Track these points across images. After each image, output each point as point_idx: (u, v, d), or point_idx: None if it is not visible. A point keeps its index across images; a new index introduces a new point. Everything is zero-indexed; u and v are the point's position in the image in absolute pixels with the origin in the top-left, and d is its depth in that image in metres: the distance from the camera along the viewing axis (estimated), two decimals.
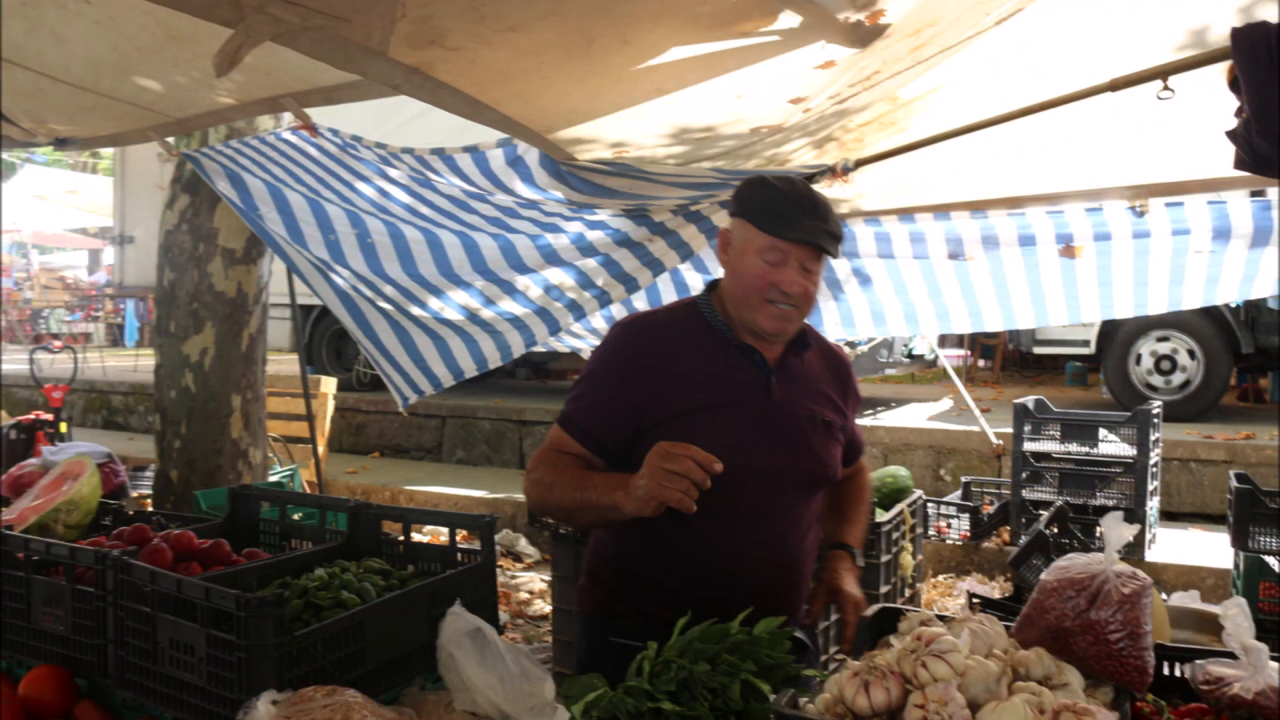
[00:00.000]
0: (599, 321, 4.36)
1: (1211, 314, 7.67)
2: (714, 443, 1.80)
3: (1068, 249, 3.64)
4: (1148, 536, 5.50)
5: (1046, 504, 5.30)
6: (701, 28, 2.10)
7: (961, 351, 12.68)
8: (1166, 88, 2.33)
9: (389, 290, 4.12)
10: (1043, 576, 1.75)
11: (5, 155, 10.33)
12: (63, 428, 7.04)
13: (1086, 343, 8.46)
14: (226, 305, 5.04)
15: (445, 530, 2.22)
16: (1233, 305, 7.55)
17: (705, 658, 1.65)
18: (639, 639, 1.84)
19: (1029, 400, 5.69)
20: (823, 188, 3.27)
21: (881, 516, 3.82)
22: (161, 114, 3.49)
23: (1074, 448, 5.52)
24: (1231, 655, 1.71)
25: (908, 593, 4.10)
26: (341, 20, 1.94)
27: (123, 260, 12.78)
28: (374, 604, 1.81)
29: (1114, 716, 1.44)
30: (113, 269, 13.88)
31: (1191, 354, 7.82)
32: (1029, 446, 5.58)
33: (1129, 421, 5.39)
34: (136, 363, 13.38)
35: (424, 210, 3.61)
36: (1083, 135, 2.96)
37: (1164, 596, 2.97)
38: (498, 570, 3.09)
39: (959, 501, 6.04)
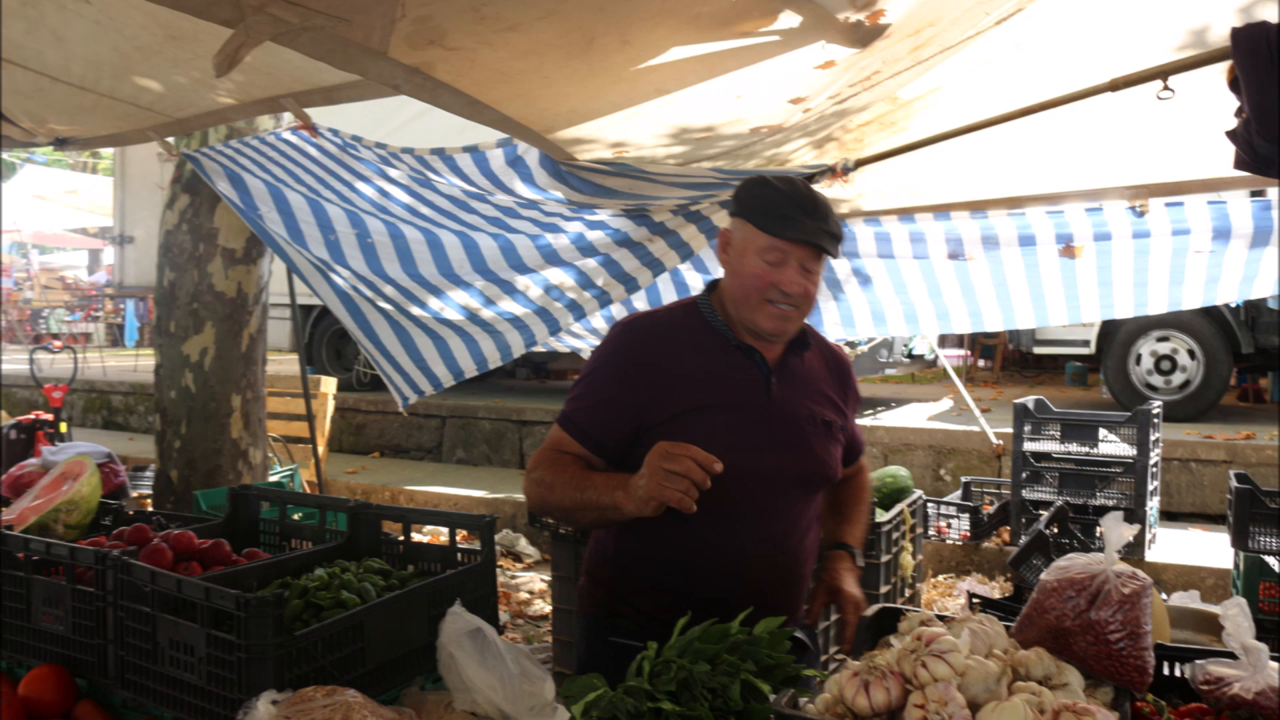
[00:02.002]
0: (599, 321, 4.36)
1: (1211, 314, 7.67)
2: (714, 443, 1.80)
3: (1068, 249, 3.64)
4: (1148, 536, 5.50)
5: (1046, 504, 5.30)
6: (701, 28, 2.10)
7: (961, 351, 12.68)
8: (1166, 88, 2.33)
9: (389, 290, 4.12)
10: (1043, 576, 1.75)
11: (5, 155, 10.34)
12: (63, 428, 7.04)
13: (1086, 343, 8.47)
14: (226, 305, 5.04)
15: (445, 530, 2.22)
16: (1233, 305, 7.56)
17: (705, 658, 1.65)
18: (639, 639, 1.84)
19: (1029, 400, 5.69)
20: (823, 188, 3.27)
21: (881, 516, 3.82)
22: (161, 114, 3.50)
23: (1074, 448, 5.52)
24: (1231, 655, 1.71)
25: (908, 593, 4.11)
26: (341, 20, 1.94)
27: (123, 260, 12.79)
28: (374, 604, 1.81)
29: (1114, 716, 1.44)
30: (113, 269, 13.88)
31: (1191, 354, 7.83)
32: (1029, 446, 5.58)
33: (1129, 421, 5.40)
34: (136, 363, 13.39)
35: (424, 210, 3.61)
36: (1083, 135, 2.96)
37: (1164, 596, 2.97)
38: (498, 570, 3.09)
39: (959, 501, 6.04)
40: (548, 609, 5.32)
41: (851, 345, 7.93)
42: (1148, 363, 7.97)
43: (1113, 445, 5.43)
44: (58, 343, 13.12)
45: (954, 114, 2.86)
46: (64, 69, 3.11)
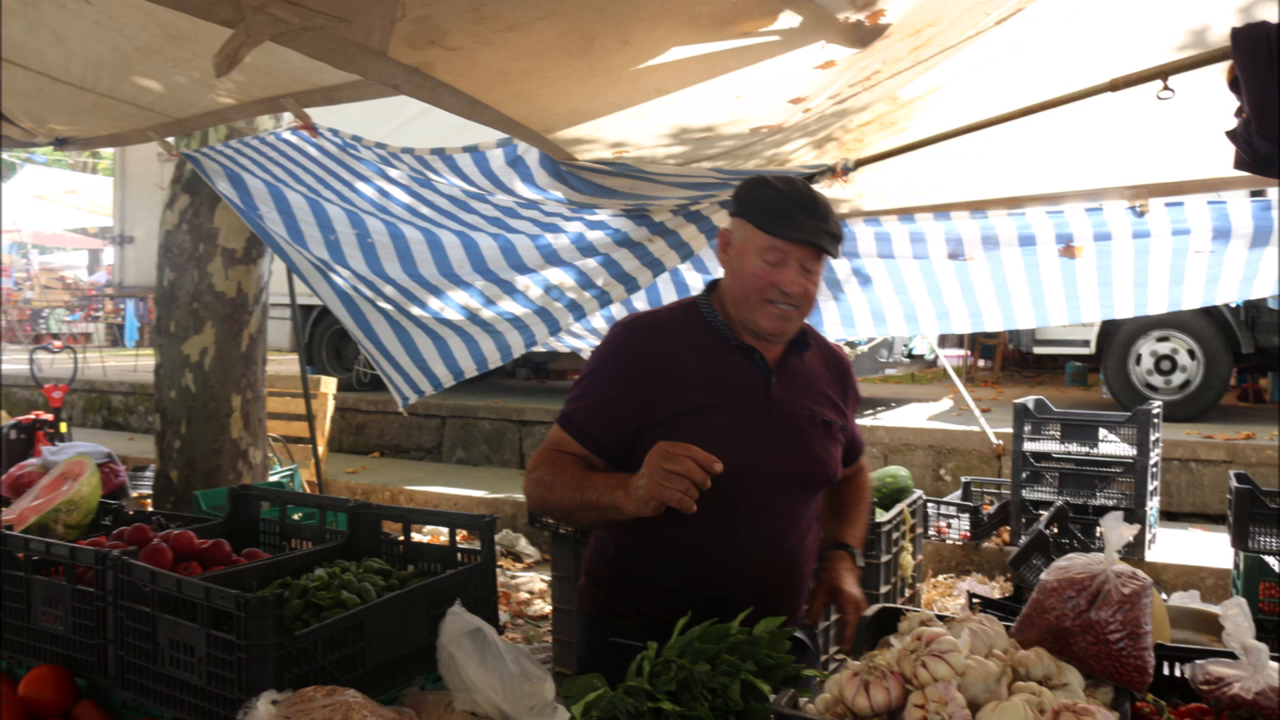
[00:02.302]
0: (599, 321, 4.36)
1: (1211, 314, 7.67)
2: (714, 443, 1.80)
3: (1068, 249, 3.64)
4: (1148, 536, 5.50)
5: (1046, 504, 5.30)
6: (701, 28, 2.10)
7: (961, 351, 12.68)
8: (1166, 88, 2.33)
9: (389, 290, 4.12)
10: (1043, 576, 1.75)
11: (5, 155, 10.34)
12: (63, 428, 7.04)
13: (1086, 343, 8.47)
14: (226, 305, 5.04)
15: (445, 530, 2.22)
16: (1233, 305, 7.56)
17: (705, 658, 1.65)
18: (639, 639, 1.84)
19: (1029, 400, 5.69)
20: (823, 188, 3.27)
21: (881, 516, 3.82)
22: (161, 114, 3.50)
23: (1074, 448, 5.52)
24: (1231, 655, 1.71)
25: (908, 593, 4.10)
26: (341, 20, 1.94)
27: (123, 260, 12.79)
28: (374, 604, 1.81)
29: (1114, 716, 1.44)
30: (113, 269, 13.89)
31: (1191, 354, 7.83)
32: (1029, 446, 5.58)
33: (1129, 421, 5.40)
34: (136, 363, 13.39)
35: (424, 210, 3.61)
36: (1083, 135, 2.96)
37: (1164, 596, 2.97)
38: (498, 570, 3.09)
39: (959, 501, 6.04)
40: (548, 609, 5.32)
41: (851, 345, 7.93)
42: (1148, 363, 7.97)
43: (1113, 445, 5.43)
44: (58, 343, 13.11)
45: (954, 114, 2.86)
46: (64, 69, 3.11)
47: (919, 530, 4.22)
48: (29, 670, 1.89)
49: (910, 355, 9.99)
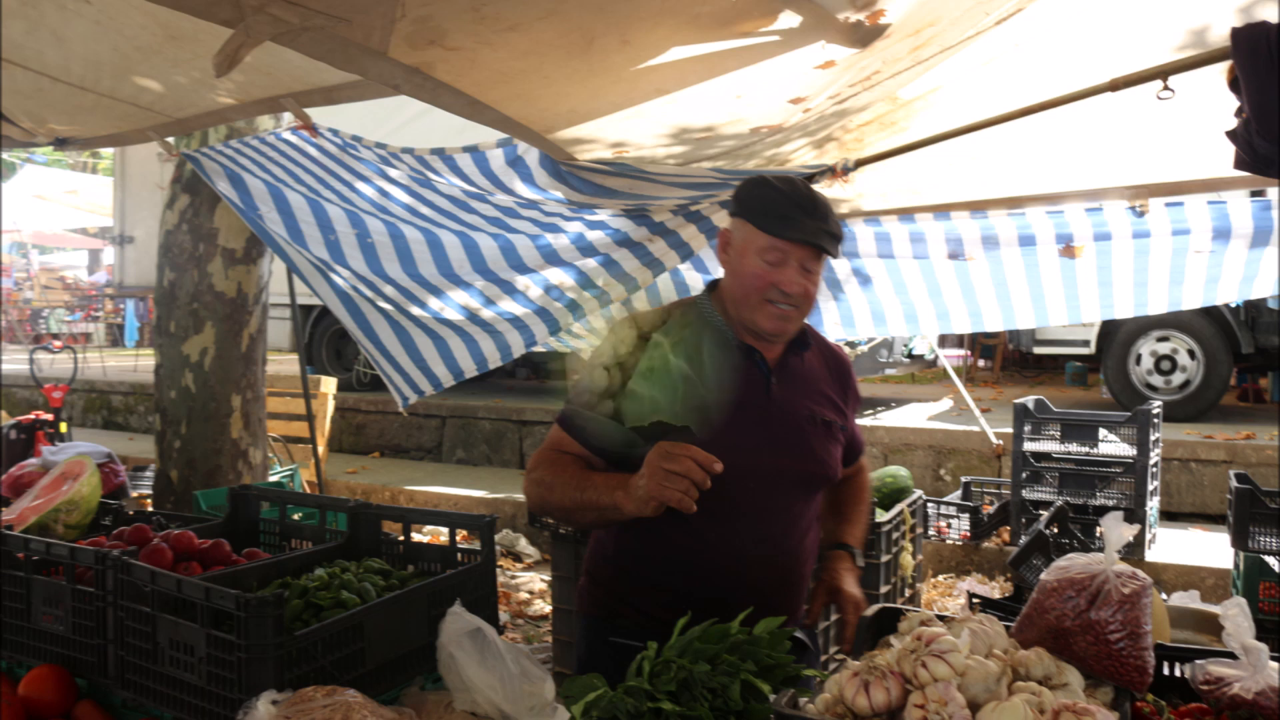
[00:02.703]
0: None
1: (1211, 314, 7.67)
2: (714, 443, 1.80)
3: (1068, 249, 3.64)
4: (1148, 536, 5.50)
5: (1046, 504, 5.30)
6: (701, 28, 2.10)
7: (961, 351, 12.68)
8: (1166, 88, 2.33)
9: (389, 290, 4.12)
10: (1043, 576, 1.75)
11: (5, 155, 10.33)
12: (63, 428, 7.04)
13: (1086, 343, 8.47)
14: (226, 305, 5.04)
15: (445, 530, 2.22)
16: (1233, 305, 7.56)
17: (705, 658, 1.65)
18: (639, 639, 1.84)
19: (1029, 400, 5.69)
20: (823, 188, 3.27)
21: (881, 516, 3.82)
22: (161, 114, 3.49)
23: (1074, 448, 5.52)
24: (1231, 655, 1.71)
25: (908, 593, 4.11)
26: (341, 20, 1.94)
27: (123, 260, 12.79)
28: (374, 604, 1.81)
29: (1114, 716, 1.44)
30: (113, 269, 13.89)
31: (1191, 354, 7.83)
32: (1029, 446, 5.58)
33: (1129, 421, 5.40)
34: (136, 363, 13.39)
35: (424, 210, 3.61)
36: (1083, 135, 2.96)
37: (1164, 596, 2.97)
38: (498, 570, 3.09)
39: (959, 501, 6.04)
40: (548, 609, 5.32)
41: (851, 345, 7.93)
42: (1148, 363, 7.97)
43: (1113, 445, 5.43)
44: (58, 343, 13.11)
45: (954, 114, 2.86)
46: (64, 69, 3.11)
47: (919, 530, 4.22)
48: (29, 670, 1.89)
49: (910, 355, 9.99)
